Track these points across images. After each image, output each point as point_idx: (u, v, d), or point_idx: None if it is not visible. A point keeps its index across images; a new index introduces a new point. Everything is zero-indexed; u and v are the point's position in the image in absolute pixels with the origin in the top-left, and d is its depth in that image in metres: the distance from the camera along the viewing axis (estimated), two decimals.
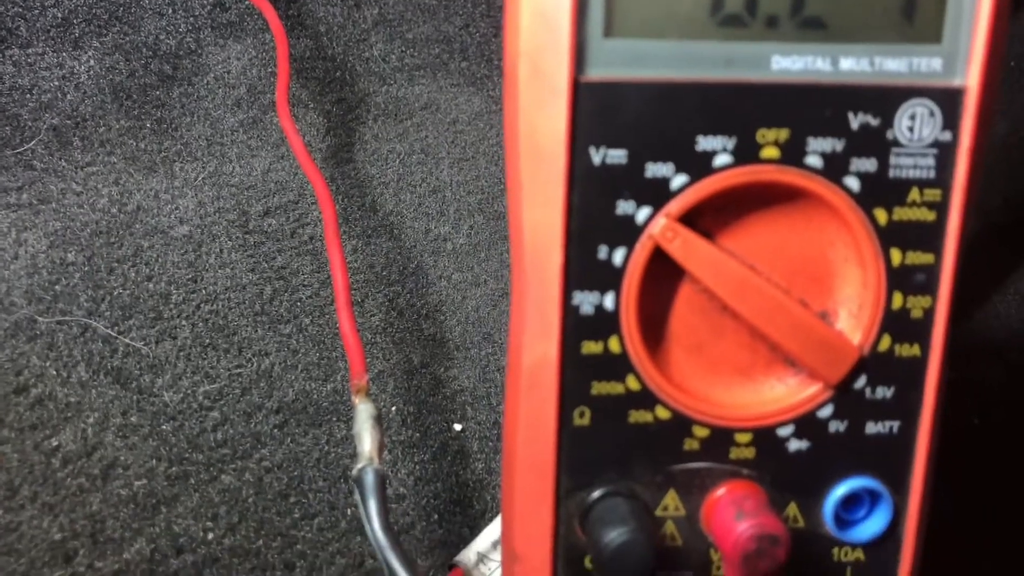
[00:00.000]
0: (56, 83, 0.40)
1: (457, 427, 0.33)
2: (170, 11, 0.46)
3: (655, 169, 0.21)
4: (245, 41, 0.46)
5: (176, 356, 0.32)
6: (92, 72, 0.41)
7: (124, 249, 0.35)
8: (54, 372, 0.31)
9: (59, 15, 0.43)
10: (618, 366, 0.22)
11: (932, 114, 0.21)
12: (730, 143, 0.21)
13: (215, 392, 0.32)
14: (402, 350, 0.36)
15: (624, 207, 0.21)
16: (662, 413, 0.23)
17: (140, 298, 0.33)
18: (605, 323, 0.22)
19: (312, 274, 0.36)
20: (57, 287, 0.33)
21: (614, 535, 0.21)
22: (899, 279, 0.22)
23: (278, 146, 0.41)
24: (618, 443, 0.23)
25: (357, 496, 0.24)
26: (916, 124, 0.21)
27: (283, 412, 0.32)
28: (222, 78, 0.44)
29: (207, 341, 0.33)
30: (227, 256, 0.36)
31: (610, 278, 0.22)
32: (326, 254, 0.37)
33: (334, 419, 0.32)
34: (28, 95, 0.39)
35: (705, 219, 0.22)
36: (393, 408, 0.33)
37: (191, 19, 0.46)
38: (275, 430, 0.31)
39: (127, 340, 0.32)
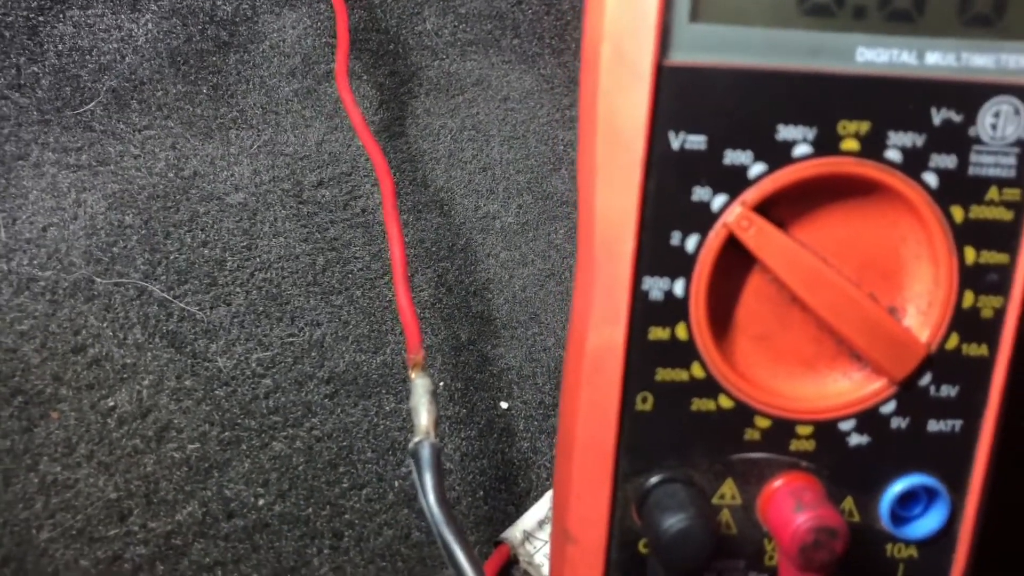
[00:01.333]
0: (115, 45, 0.40)
1: (504, 405, 0.33)
2: None
3: (734, 156, 0.21)
4: (300, 10, 0.46)
5: (230, 322, 0.33)
6: (150, 35, 0.41)
7: (180, 214, 0.35)
8: (111, 333, 0.31)
9: None
10: (684, 353, 0.22)
11: (1017, 112, 0.21)
12: (811, 133, 0.21)
13: (268, 360, 0.32)
14: (450, 326, 0.36)
15: (700, 193, 0.21)
16: (725, 402, 0.22)
17: (195, 263, 0.34)
18: (673, 309, 0.22)
19: (364, 247, 0.36)
20: (115, 249, 0.33)
21: (673, 521, 0.21)
22: (972, 278, 0.22)
23: (332, 117, 0.41)
24: (679, 430, 0.23)
25: (413, 469, 0.24)
26: (1000, 122, 0.21)
27: (334, 382, 0.32)
28: (277, 46, 0.44)
29: (260, 309, 0.33)
30: (281, 225, 0.36)
31: (682, 264, 0.22)
32: (377, 227, 0.37)
33: (383, 391, 0.32)
34: (88, 56, 0.39)
35: (779, 208, 0.22)
36: (441, 384, 0.34)
37: None
38: (326, 400, 0.32)
39: (182, 304, 0.32)
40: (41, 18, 0.40)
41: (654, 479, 0.23)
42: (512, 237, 0.40)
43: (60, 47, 0.40)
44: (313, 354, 0.33)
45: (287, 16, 0.45)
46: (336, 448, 0.30)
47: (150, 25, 0.42)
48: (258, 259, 0.35)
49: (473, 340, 0.35)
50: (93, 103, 0.38)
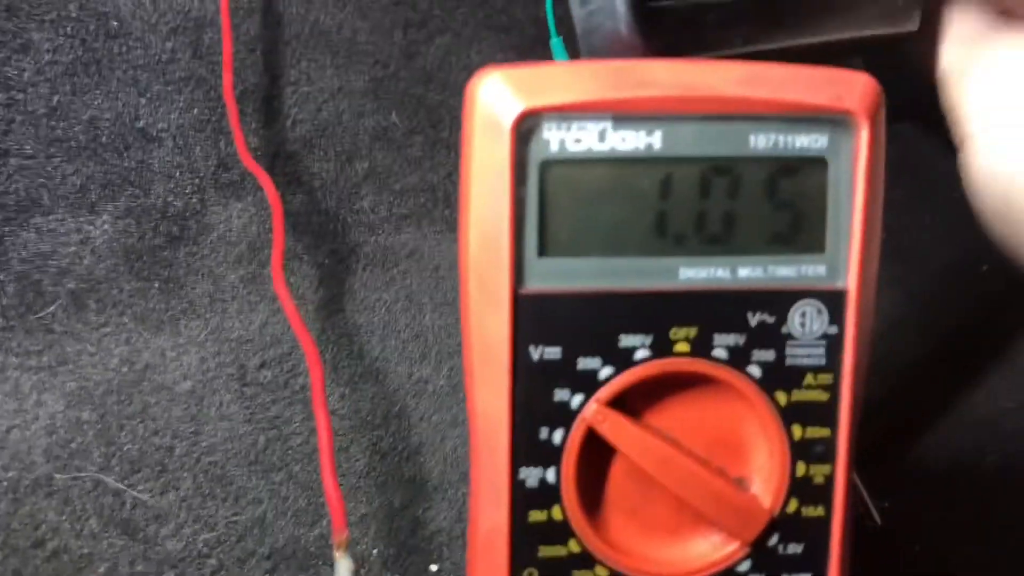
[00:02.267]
0: (74, 248, 0.44)
1: (433, 568, 0.36)
2: (177, 173, 0.51)
3: (585, 363, 0.25)
4: (246, 199, 0.51)
5: (179, 506, 0.36)
6: (106, 236, 0.45)
7: (133, 406, 0.39)
8: (68, 526, 0.34)
9: (78, 182, 0.48)
10: (561, 531, 0.26)
11: (820, 312, 0.25)
12: (647, 340, 0.25)
13: (213, 540, 0.35)
14: (384, 493, 0.39)
15: (560, 395, 0.25)
16: (600, 572, 0.26)
17: (147, 452, 0.37)
18: (548, 494, 0.25)
19: (303, 422, 0.40)
20: (72, 445, 0.37)
21: None
22: (801, 451, 0.26)
23: (275, 299, 0.45)
24: None
25: None
26: (807, 320, 0.25)
27: (274, 557, 0.35)
28: (224, 236, 0.48)
29: (207, 491, 0.36)
30: (226, 408, 0.40)
31: (551, 455, 0.25)
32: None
33: (320, 563, 0.35)
34: (49, 261, 0.44)
35: (635, 401, 0.26)
36: (375, 551, 0.37)
37: (196, 180, 0.51)
38: (266, 575, 0.34)
39: (135, 493, 0.35)
40: (7, 228, 0.44)
41: None
42: (443, 399, 0.43)
43: (23, 254, 0.44)
44: (255, 531, 0.36)
45: (233, 206, 0.50)
46: None
47: (107, 226, 0.46)
48: (204, 443, 0.38)
49: (406, 504, 0.39)
50: (54, 306, 0.41)
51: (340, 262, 0.51)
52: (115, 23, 0.55)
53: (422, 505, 0.39)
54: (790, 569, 0.26)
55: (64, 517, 0.34)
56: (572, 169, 0.24)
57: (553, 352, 0.25)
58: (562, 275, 0.25)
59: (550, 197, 0.24)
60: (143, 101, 0.53)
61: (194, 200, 0.50)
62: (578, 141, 0.24)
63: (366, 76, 0.61)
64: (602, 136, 0.24)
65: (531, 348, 0.25)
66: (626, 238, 0.25)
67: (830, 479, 0.26)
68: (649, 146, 0.24)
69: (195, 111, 0.54)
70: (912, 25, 0.31)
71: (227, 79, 0.51)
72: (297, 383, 0.42)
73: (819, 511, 0.26)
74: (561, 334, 0.25)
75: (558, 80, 0.24)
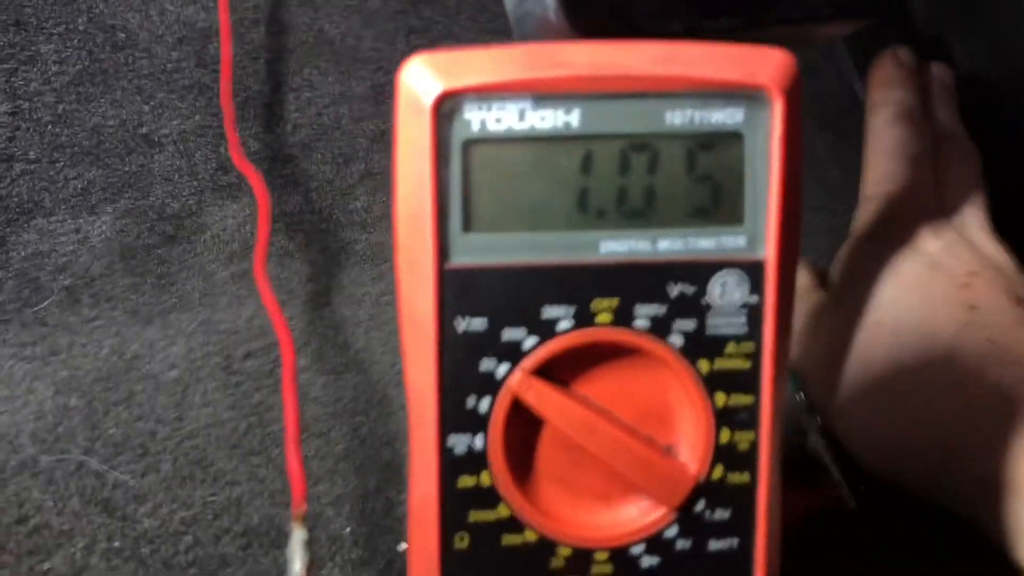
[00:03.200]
0: (72, 247, 0.47)
1: (403, 546, 0.37)
2: (177, 176, 0.53)
3: (510, 333, 0.26)
4: (242, 200, 0.52)
5: (158, 487, 0.37)
6: (104, 236, 0.47)
7: (120, 393, 0.40)
8: (51, 504, 0.36)
9: (79, 185, 0.50)
10: (490, 496, 0.27)
11: (740, 282, 0.26)
12: (570, 311, 0.26)
13: (189, 518, 0.36)
14: (360, 476, 0.40)
15: (486, 364, 0.26)
16: (530, 536, 0.27)
17: (130, 436, 0.39)
18: (476, 461, 0.26)
19: (283, 409, 0.41)
20: (59, 428, 0.38)
21: None
22: (724, 418, 0.27)
23: None
24: (494, 563, 0.27)
25: None
26: (727, 290, 0.26)
27: (248, 535, 0.36)
28: (218, 236, 0.50)
29: (186, 473, 0.38)
30: (210, 395, 0.41)
31: (478, 423, 0.26)
32: (299, 392, 0.42)
33: None
34: (47, 259, 0.46)
35: (563, 371, 0.27)
36: (347, 529, 0.38)
37: (195, 183, 0.53)
38: (240, 551, 0.36)
39: (116, 474, 0.37)
40: (8, 229, 0.46)
41: None
42: None
43: (24, 253, 0.46)
44: (231, 510, 0.37)
45: (229, 207, 0.52)
46: None
47: (105, 226, 0.48)
48: (187, 428, 0.40)
49: (381, 488, 0.40)
50: (48, 301, 0.43)
51: (331, 259, 0.52)
52: (122, 35, 0.57)
53: (396, 488, 0.40)
54: (718, 534, 0.27)
55: (47, 496, 0.36)
56: (494, 148, 0.25)
57: (478, 323, 0.26)
58: (486, 250, 0.26)
59: (473, 175, 0.25)
60: (147, 108, 0.55)
61: (191, 202, 0.52)
62: (498, 121, 0.25)
63: (368, 82, 0.63)
64: (522, 115, 0.25)
65: (457, 320, 0.26)
66: (548, 214, 0.26)
67: (754, 445, 0.27)
68: (568, 124, 0.25)
69: (197, 117, 0.56)
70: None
71: (225, 83, 0.53)
72: (280, 373, 0.43)
73: (744, 477, 0.27)
74: (486, 306, 0.26)
75: (477, 62, 0.25)
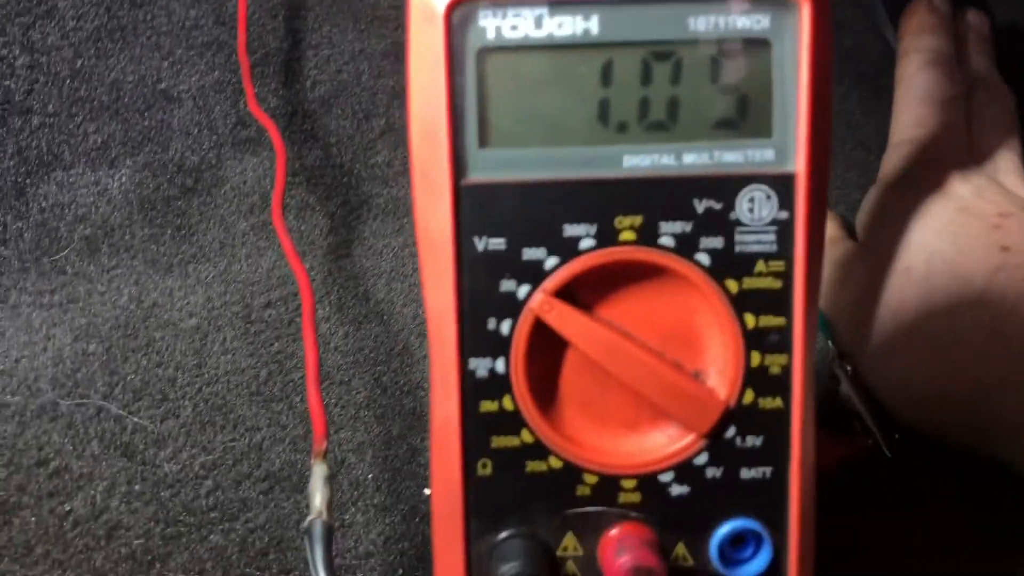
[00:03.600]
0: (91, 199, 0.46)
1: (427, 492, 0.37)
2: (196, 131, 0.52)
3: (530, 253, 0.25)
4: (261, 154, 0.52)
5: (178, 432, 0.37)
6: (123, 188, 0.47)
7: (139, 340, 0.40)
8: (71, 447, 0.35)
9: (99, 139, 0.50)
10: (513, 421, 0.26)
11: (769, 197, 0.25)
12: (592, 229, 0.25)
13: (210, 463, 0.36)
14: (383, 423, 0.39)
15: (507, 285, 0.25)
16: (555, 462, 0.26)
17: (149, 382, 0.38)
18: (498, 384, 0.26)
19: (304, 358, 0.41)
20: (78, 374, 0.38)
21: (505, 569, 0.25)
22: (755, 340, 0.25)
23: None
24: (518, 490, 0.26)
25: (306, 545, 0.28)
26: (755, 206, 0.25)
27: (269, 480, 0.36)
28: (238, 188, 0.49)
29: (206, 418, 0.38)
30: (229, 344, 0.41)
31: (500, 346, 0.25)
32: (320, 340, 0.42)
33: None
34: (66, 210, 0.45)
35: (585, 293, 0.26)
36: (370, 475, 0.37)
37: (214, 137, 0.52)
38: (261, 496, 0.35)
39: (136, 419, 0.37)
40: (28, 180, 0.46)
41: (500, 536, 0.26)
42: None
43: (43, 204, 0.45)
44: (252, 456, 0.37)
45: (248, 160, 0.51)
46: (268, 538, 0.34)
47: (124, 179, 0.48)
48: (206, 375, 0.39)
49: (403, 435, 0.39)
50: (68, 250, 0.43)
51: (352, 212, 0.52)
52: None
53: (419, 435, 0.39)
54: (749, 462, 0.26)
55: (67, 440, 0.36)
56: (510, 57, 0.24)
57: (497, 243, 0.25)
58: (504, 166, 0.25)
59: (488, 86, 0.24)
60: (165, 65, 0.54)
61: (210, 155, 0.51)
62: (514, 28, 0.24)
63: (387, 39, 0.62)
64: (538, 22, 0.24)
65: (475, 239, 0.25)
66: (568, 127, 0.25)
67: (787, 369, 0.26)
68: (587, 31, 0.24)
69: (216, 73, 0.56)
70: None
71: (241, 36, 0.53)
72: (301, 321, 0.42)
73: (777, 402, 0.26)
74: (505, 225, 0.25)
75: None
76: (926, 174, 0.40)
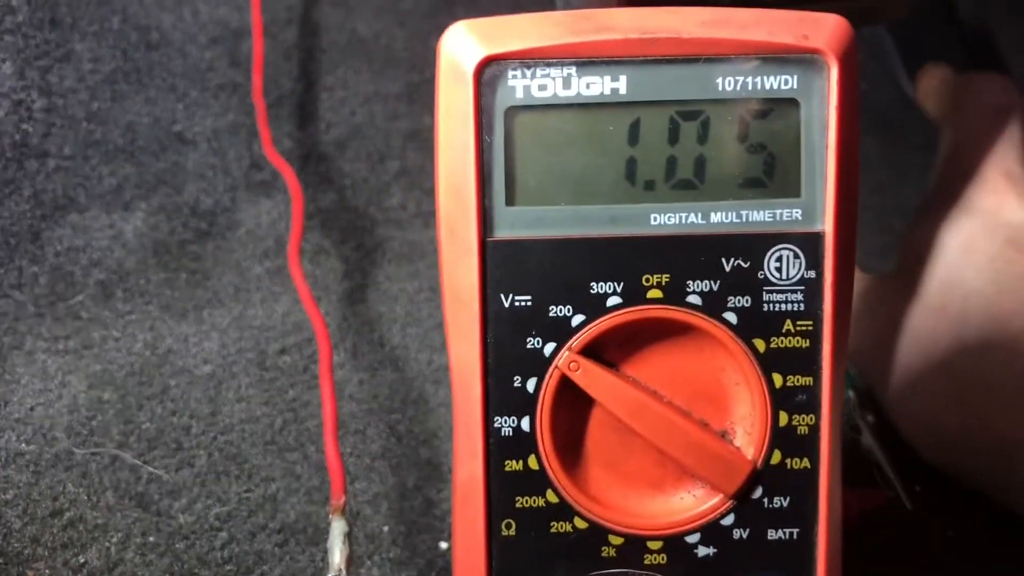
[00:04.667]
0: (106, 243, 0.46)
1: (443, 545, 0.36)
2: (211, 173, 0.52)
3: (556, 310, 0.25)
4: (276, 197, 0.52)
5: (193, 482, 0.36)
6: (137, 231, 0.47)
7: (153, 388, 0.40)
8: (85, 497, 0.35)
9: (114, 182, 0.50)
10: (538, 481, 0.25)
11: (797, 256, 0.25)
12: (619, 287, 0.25)
13: (225, 514, 0.36)
14: (398, 473, 0.39)
15: (533, 343, 0.25)
16: (580, 523, 0.26)
17: (164, 431, 0.38)
18: (523, 443, 0.25)
19: (319, 406, 0.40)
20: (93, 422, 0.38)
21: None
22: (782, 400, 0.25)
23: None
24: (542, 551, 0.26)
25: None
26: (783, 265, 0.25)
27: (284, 532, 0.35)
28: (253, 232, 0.49)
29: (221, 468, 0.37)
30: (244, 391, 0.41)
31: (525, 404, 0.25)
32: (336, 388, 0.41)
33: None
34: (81, 254, 0.45)
35: (610, 351, 0.26)
36: (386, 528, 0.37)
37: (229, 179, 0.52)
38: (276, 548, 0.35)
39: (151, 468, 0.36)
40: (43, 224, 0.46)
41: None
42: None
43: (58, 247, 0.45)
44: (267, 507, 0.36)
45: (263, 204, 0.51)
46: None
47: (139, 222, 0.48)
48: (221, 424, 0.39)
49: (419, 486, 0.39)
50: (83, 295, 0.43)
51: (366, 255, 0.52)
52: (156, 35, 0.57)
53: (436, 486, 0.39)
54: (776, 524, 0.26)
55: (81, 489, 0.35)
56: (538, 116, 0.24)
57: (523, 300, 0.25)
58: (531, 223, 0.25)
59: (517, 144, 0.24)
60: (180, 107, 0.55)
61: (225, 198, 0.51)
62: (543, 88, 0.24)
63: (401, 81, 0.62)
64: (567, 82, 0.24)
65: (501, 295, 0.25)
66: (595, 185, 0.25)
67: (815, 429, 0.25)
68: (615, 91, 0.24)
69: (230, 115, 0.56)
70: None
71: (257, 80, 0.53)
72: (316, 368, 0.42)
73: (804, 463, 0.25)
74: (531, 282, 0.25)
75: (520, 28, 0.24)
76: (972, 193, 0.36)
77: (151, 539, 0.34)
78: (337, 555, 0.29)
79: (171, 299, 0.44)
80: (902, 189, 0.45)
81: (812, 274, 0.25)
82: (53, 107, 0.50)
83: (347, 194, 0.55)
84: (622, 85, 0.24)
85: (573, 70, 0.24)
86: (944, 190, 0.38)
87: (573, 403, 0.25)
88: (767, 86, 0.24)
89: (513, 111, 0.24)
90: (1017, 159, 0.37)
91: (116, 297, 0.44)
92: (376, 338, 0.46)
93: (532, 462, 0.25)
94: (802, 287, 0.25)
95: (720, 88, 0.24)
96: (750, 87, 0.24)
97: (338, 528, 0.29)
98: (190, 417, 0.39)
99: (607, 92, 0.24)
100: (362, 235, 0.53)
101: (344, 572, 0.28)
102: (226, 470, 0.37)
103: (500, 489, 0.25)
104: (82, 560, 0.33)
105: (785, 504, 0.26)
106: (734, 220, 0.25)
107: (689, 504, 0.26)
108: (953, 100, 0.40)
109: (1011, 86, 0.40)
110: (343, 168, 0.56)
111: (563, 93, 0.24)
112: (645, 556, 0.26)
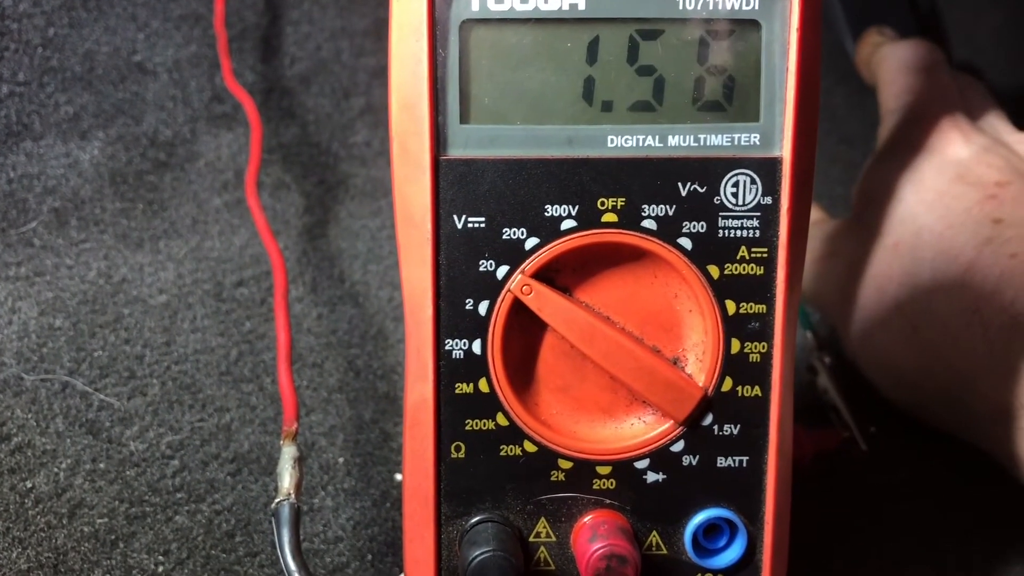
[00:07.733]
0: (61, 171, 0.45)
1: (398, 477, 0.36)
2: (171, 104, 0.51)
3: (510, 233, 0.24)
4: (237, 130, 0.51)
5: (145, 410, 0.36)
6: (94, 160, 0.46)
7: (107, 316, 0.39)
8: (34, 423, 0.34)
9: (71, 110, 0.49)
10: (488, 404, 0.25)
11: (754, 181, 0.25)
12: (574, 210, 0.24)
13: (177, 443, 0.35)
14: (355, 407, 0.39)
15: (485, 265, 0.25)
16: (529, 447, 0.25)
17: (117, 359, 0.37)
18: (474, 366, 0.25)
19: (276, 339, 0.40)
20: (44, 349, 0.37)
21: (475, 554, 0.24)
22: (735, 327, 0.25)
23: None
24: (491, 474, 0.26)
25: (273, 526, 0.27)
26: (740, 190, 0.25)
27: (237, 461, 0.35)
28: (212, 164, 0.48)
29: (174, 397, 0.37)
30: (200, 322, 0.40)
31: (477, 327, 0.25)
32: (292, 320, 0.41)
33: None
34: (35, 181, 0.44)
35: (564, 276, 0.25)
36: (341, 459, 0.36)
37: (189, 111, 0.51)
38: (228, 477, 0.35)
39: (102, 396, 0.36)
40: None
41: (472, 520, 0.26)
42: None
43: (11, 174, 0.44)
44: (220, 436, 0.36)
45: (224, 136, 0.50)
46: (235, 520, 0.33)
47: (96, 151, 0.47)
48: (175, 353, 0.38)
49: (376, 419, 0.39)
50: (35, 222, 0.42)
51: (328, 191, 0.51)
52: None
53: (392, 420, 0.39)
54: (726, 451, 0.26)
55: (31, 415, 0.35)
56: (494, 30, 0.24)
57: (477, 221, 0.24)
58: (485, 142, 0.24)
59: (472, 59, 0.24)
60: (141, 36, 0.53)
61: (185, 130, 0.50)
62: (500, 1, 0.24)
63: (369, 18, 0.61)
64: None
65: (454, 217, 0.24)
66: (552, 104, 0.24)
67: (767, 358, 0.25)
68: (574, 6, 0.24)
69: (192, 47, 0.54)
70: None
71: (219, 10, 0.52)
72: (273, 301, 0.42)
73: (756, 391, 0.25)
74: (485, 203, 0.24)
75: None
76: (922, 138, 0.38)
77: (101, 466, 0.34)
78: (287, 480, 0.28)
79: (127, 229, 0.43)
80: (871, 141, 0.45)
81: (768, 200, 0.25)
82: (7, 31, 0.49)
83: (310, 129, 0.54)
84: (581, 1, 0.24)
85: None
86: (892, 139, 0.39)
87: (525, 327, 0.25)
88: (728, 5, 0.24)
89: (468, 24, 0.24)
90: (955, 107, 0.39)
91: (70, 225, 0.43)
92: (336, 273, 0.45)
93: (483, 385, 0.25)
94: (758, 213, 0.25)
95: (681, 6, 0.24)
96: (711, 6, 0.24)
97: (288, 453, 0.29)
98: (143, 346, 0.38)
99: (566, 7, 0.24)
100: (324, 171, 0.52)
101: (293, 497, 0.28)
102: (179, 399, 0.37)
103: (450, 412, 0.25)
104: (29, 485, 0.33)
105: (735, 432, 0.26)
106: (692, 144, 0.24)
107: (639, 430, 0.26)
108: (880, 63, 0.42)
109: (936, 49, 0.41)
110: (306, 103, 0.55)
111: (520, 7, 0.24)
112: (594, 481, 0.26)
